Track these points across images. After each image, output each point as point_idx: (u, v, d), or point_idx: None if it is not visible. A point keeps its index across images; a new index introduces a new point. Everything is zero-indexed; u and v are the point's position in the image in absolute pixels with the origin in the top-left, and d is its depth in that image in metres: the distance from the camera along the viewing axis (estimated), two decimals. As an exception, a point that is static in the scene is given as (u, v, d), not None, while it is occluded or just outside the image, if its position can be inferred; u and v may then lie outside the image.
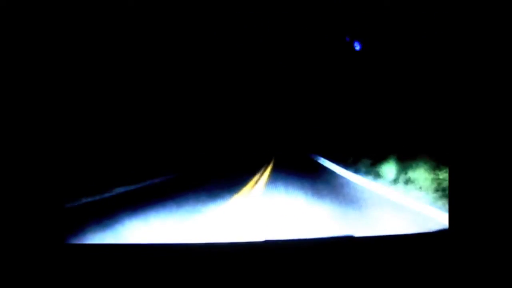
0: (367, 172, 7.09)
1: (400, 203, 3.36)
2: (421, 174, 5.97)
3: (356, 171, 7.41)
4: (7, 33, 0.91)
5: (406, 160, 6.96)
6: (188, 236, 2.45)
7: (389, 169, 7.25)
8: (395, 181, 5.84)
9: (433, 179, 5.54)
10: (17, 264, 0.71)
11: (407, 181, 5.88)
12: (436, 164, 5.88)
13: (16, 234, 0.84)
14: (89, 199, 3.98)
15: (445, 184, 4.93)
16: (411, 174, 6.18)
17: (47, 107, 1.08)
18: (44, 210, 0.94)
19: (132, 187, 5.13)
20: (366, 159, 8.67)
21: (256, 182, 5.26)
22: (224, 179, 6.28)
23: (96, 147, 6.95)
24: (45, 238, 0.87)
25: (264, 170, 7.49)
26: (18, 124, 1.00)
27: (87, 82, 7.05)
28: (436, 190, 4.57)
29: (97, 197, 4.11)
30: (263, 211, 3.26)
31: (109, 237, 2.36)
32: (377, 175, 6.51)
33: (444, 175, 5.10)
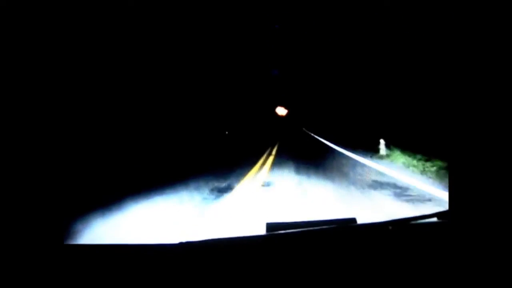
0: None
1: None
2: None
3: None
4: (7, 33, 0.90)
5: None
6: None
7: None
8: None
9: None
10: (15, 265, 0.71)
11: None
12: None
13: (14, 235, 0.82)
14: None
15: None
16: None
17: (46, 107, 1.07)
18: (43, 210, 0.93)
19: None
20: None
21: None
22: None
23: (102, 147, 6.97)
24: (44, 238, 0.85)
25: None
26: (18, 124, 0.99)
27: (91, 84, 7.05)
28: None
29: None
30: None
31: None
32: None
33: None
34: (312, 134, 21.81)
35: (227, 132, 18.13)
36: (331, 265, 0.68)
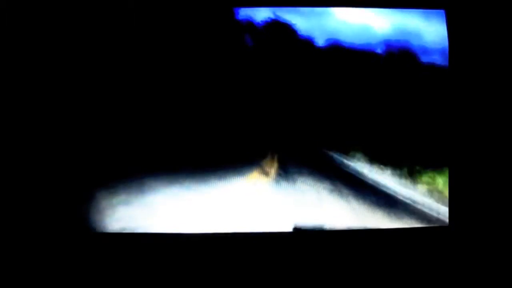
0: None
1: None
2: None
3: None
4: (7, 33, 0.88)
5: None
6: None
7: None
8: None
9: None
10: (41, 255, 0.71)
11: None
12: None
13: (39, 225, 0.83)
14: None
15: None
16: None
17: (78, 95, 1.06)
18: (69, 197, 0.92)
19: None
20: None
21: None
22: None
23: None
24: (71, 226, 0.85)
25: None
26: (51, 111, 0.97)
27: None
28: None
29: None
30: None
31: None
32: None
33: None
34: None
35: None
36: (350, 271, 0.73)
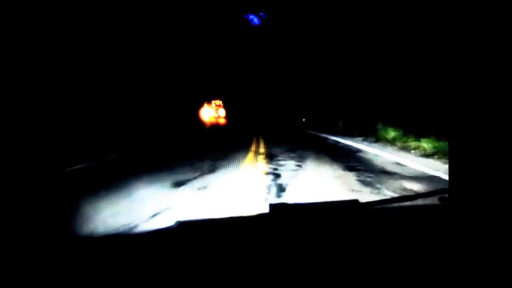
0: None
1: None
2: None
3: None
4: (7, 32, 0.86)
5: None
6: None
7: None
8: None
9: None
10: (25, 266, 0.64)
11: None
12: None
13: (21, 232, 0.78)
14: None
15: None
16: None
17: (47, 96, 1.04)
18: (51, 201, 0.91)
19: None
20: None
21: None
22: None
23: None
24: (53, 233, 0.81)
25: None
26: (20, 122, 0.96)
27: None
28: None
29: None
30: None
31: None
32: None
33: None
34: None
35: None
36: (334, 244, 0.68)
